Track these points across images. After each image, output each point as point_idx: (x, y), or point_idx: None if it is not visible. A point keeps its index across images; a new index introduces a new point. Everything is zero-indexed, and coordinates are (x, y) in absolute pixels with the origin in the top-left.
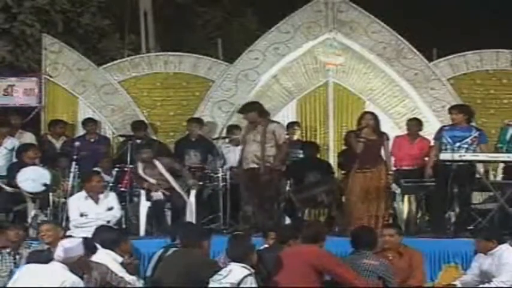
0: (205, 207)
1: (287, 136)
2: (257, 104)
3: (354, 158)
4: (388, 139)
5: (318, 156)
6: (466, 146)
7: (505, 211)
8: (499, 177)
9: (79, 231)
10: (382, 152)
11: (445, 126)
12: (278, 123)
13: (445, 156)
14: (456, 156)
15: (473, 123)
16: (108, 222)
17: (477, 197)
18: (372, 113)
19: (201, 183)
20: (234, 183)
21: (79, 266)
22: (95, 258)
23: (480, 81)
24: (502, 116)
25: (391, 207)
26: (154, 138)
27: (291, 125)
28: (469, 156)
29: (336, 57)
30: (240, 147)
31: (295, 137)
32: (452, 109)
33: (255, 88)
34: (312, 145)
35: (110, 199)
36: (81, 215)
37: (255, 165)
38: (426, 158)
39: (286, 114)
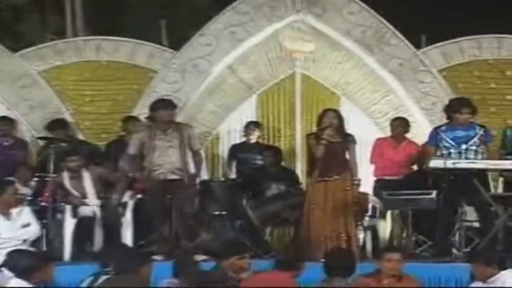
0: (145, 225)
1: (244, 139)
2: (171, 100)
3: (315, 164)
4: (355, 142)
5: (282, 163)
6: (474, 147)
7: (508, 230)
8: (500, 189)
9: None
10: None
11: (440, 126)
12: (191, 126)
13: (436, 163)
14: (449, 164)
15: (472, 120)
16: (25, 241)
17: (474, 214)
18: (335, 111)
19: (139, 196)
20: (142, 199)
21: None
22: None
23: (479, 72)
24: (505, 114)
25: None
26: (86, 141)
27: (249, 126)
28: (464, 164)
29: (304, 44)
30: (133, 152)
31: (254, 140)
32: (463, 108)
33: (206, 80)
34: (275, 150)
35: (25, 215)
36: None
37: (175, 176)
38: (414, 166)
39: (243, 112)
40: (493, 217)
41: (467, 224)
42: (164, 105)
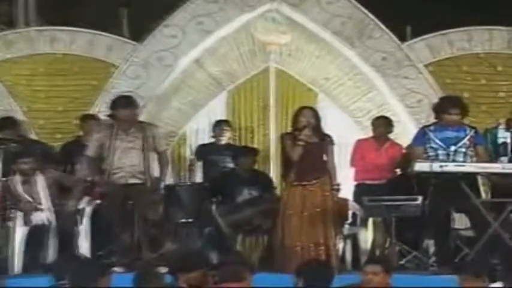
0: (104, 234)
1: (213, 139)
2: (132, 97)
3: (290, 167)
4: (333, 143)
5: (255, 166)
6: (463, 149)
7: (499, 239)
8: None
9: None
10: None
11: (429, 125)
12: (155, 126)
13: (421, 166)
14: (436, 167)
15: (463, 120)
16: None
17: (463, 221)
18: (312, 109)
19: (97, 202)
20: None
21: None
22: None
23: (468, 67)
24: (496, 113)
25: (351, 234)
26: (39, 141)
27: (219, 125)
28: (452, 167)
29: (279, 36)
30: (91, 154)
31: (224, 141)
32: (452, 108)
33: (171, 75)
34: (247, 151)
35: None
36: None
37: (137, 180)
38: (398, 170)
39: (212, 111)
40: (484, 225)
41: (456, 232)
42: (125, 103)
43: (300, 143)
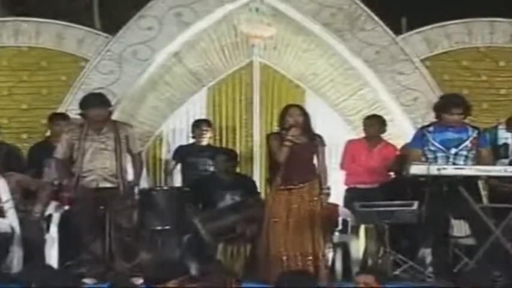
0: (73, 242)
1: (192, 140)
2: (104, 95)
3: (277, 170)
4: (324, 144)
5: (238, 169)
6: (465, 152)
7: (501, 248)
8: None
9: None
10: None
11: (427, 126)
12: (130, 125)
13: (417, 169)
14: (434, 170)
15: (465, 120)
16: None
17: (462, 228)
18: (300, 107)
19: (66, 207)
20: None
21: None
22: None
23: (468, 63)
24: (497, 112)
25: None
26: (2, 142)
27: (199, 125)
28: (450, 170)
29: (264, 28)
30: (60, 156)
31: (204, 142)
32: (453, 107)
33: (147, 71)
34: (229, 154)
35: None
36: None
37: (110, 184)
38: (391, 173)
39: (192, 109)
40: (485, 232)
41: (455, 240)
42: (96, 100)
43: (287, 143)
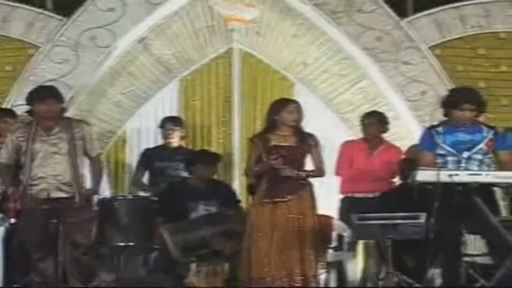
0: (20, 260)
1: (161, 141)
2: (55, 88)
3: (260, 179)
4: (318, 144)
5: (215, 175)
6: (479, 156)
7: None
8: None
9: None
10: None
11: (436, 126)
12: (87, 124)
13: (425, 175)
14: (444, 176)
15: (480, 118)
16: None
17: (477, 245)
18: (298, 103)
19: (12, 221)
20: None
21: None
22: None
23: (485, 50)
24: None
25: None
26: None
27: (168, 123)
28: (465, 176)
29: (244, 9)
30: (4, 161)
31: (175, 143)
32: (465, 102)
33: (108, 59)
34: (204, 156)
35: None
36: None
37: (63, 194)
38: (395, 180)
39: (160, 105)
40: (504, 250)
41: (469, 259)
42: (46, 94)
43: (273, 162)
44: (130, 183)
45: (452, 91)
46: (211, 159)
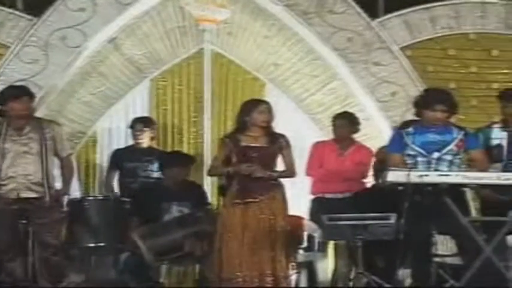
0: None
1: (132, 141)
2: (26, 88)
3: (231, 178)
4: (289, 145)
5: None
6: (449, 156)
7: (492, 268)
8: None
9: None
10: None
11: (405, 126)
12: (58, 124)
13: (395, 176)
14: (415, 177)
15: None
16: None
17: (448, 245)
18: (268, 104)
19: None
20: None
21: None
22: None
23: (455, 51)
24: (490, 109)
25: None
26: None
27: (139, 123)
28: (435, 177)
29: (216, 10)
30: None
31: (146, 144)
32: (437, 103)
33: (78, 60)
34: (179, 158)
35: None
36: None
37: (33, 194)
38: (365, 180)
39: (131, 105)
40: (474, 250)
41: (439, 259)
42: (15, 93)
43: (246, 168)
44: (100, 183)
45: (425, 91)
46: (185, 161)
